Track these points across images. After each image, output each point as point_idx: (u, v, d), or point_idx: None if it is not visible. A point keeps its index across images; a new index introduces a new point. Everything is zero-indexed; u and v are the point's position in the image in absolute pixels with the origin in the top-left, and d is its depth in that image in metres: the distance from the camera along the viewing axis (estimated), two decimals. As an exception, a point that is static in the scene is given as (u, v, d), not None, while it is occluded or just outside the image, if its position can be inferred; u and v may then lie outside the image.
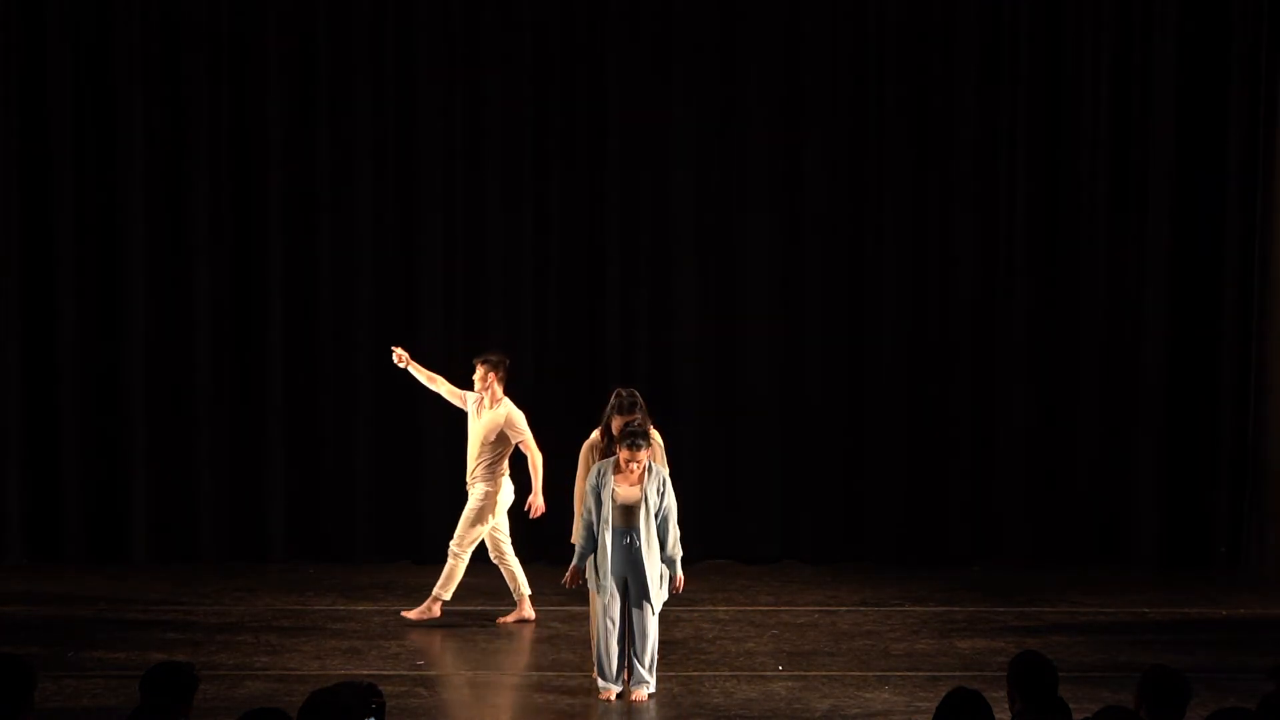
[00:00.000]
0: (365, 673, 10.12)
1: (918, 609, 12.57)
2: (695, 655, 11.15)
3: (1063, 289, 14.29)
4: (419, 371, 12.14)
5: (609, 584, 9.95)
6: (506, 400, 11.98)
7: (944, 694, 6.05)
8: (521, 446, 11.91)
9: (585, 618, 10.76)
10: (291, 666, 10.77)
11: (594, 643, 10.24)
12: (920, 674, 10.68)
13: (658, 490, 9.93)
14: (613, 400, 10.49)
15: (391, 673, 10.50)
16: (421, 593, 12.70)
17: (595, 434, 10.62)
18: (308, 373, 14.30)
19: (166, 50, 14.10)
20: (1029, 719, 6.33)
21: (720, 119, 14.31)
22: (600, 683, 10.08)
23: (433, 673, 10.61)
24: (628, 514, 9.91)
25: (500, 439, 11.90)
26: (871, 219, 14.35)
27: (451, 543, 11.97)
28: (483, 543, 12.02)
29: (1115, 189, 14.26)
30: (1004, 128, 14.26)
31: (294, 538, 14.27)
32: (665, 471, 10.08)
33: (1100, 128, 14.22)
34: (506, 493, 12.02)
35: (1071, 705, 6.49)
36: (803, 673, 10.72)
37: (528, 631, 11.79)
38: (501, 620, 12.04)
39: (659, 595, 10.06)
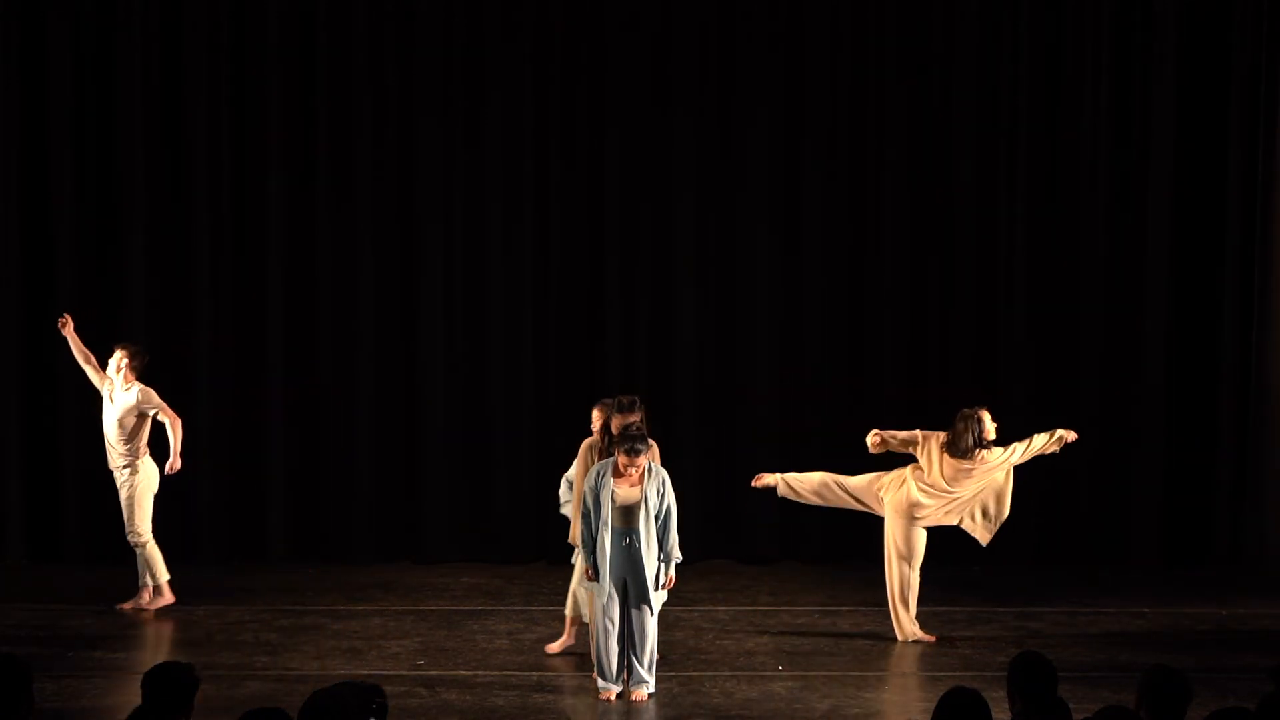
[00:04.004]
0: (365, 673, 10.11)
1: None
2: (695, 655, 11.14)
3: (1063, 289, 14.29)
4: (75, 344, 12.31)
5: (608, 585, 9.95)
6: (136, 383, 12.20)
7: (944, 694, 6.05)
8: (160, 415, 12.18)
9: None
10: (291, 666, 10.76)
11: (593, 643, 10.23)
12: (920, 674, 10.67)
13: (658, 491, 9.91)
14: (613, 402, 10.53)
15: (391, 673, 10.49)
16: (422, 592, 12.74)
17: (594, 434, 10.64)
18: (308, 373, 14.30)
19: (166, 53, 14.11)
20: (1029, 719, 6.33)
21: (720, 131, 14.30)
22: (600, 683, 10.08)
23: (433, 672, 10.60)
24: (627, 515, 9.89)
25: (138, 419, 12.17)
26: (871, 220, 14.34)
27: (129, 536, 12.21)
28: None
29: (1115, 190, 14.25)
30: (1004, 129, 14.26)
31: (294, 538, 14.26)
32: (666, 472, 10.07)
33: (1100, 129, 14.21)
34: (152, 473, 12.25)
35: (1071, 705, 6.50)
36: (803, 673, 10.71)
37: (528, 632, 11.77)
38: (126, 606, 12.18)
39: (658, 596, 10.07)
